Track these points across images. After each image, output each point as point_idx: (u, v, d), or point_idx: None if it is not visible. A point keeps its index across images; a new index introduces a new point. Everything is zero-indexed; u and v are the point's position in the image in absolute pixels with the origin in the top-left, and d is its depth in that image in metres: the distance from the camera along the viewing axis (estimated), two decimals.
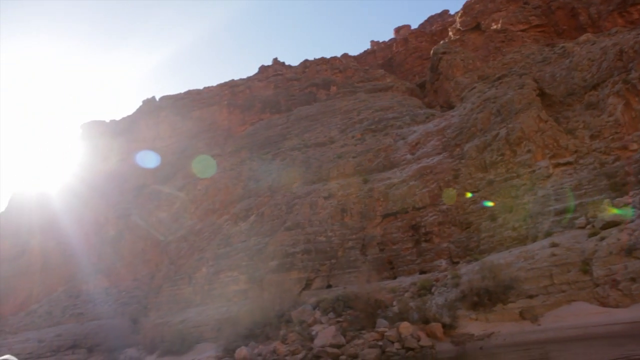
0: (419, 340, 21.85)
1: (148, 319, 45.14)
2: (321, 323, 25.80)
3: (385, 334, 22.33)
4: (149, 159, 77.65)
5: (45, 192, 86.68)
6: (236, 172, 53.63)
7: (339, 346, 22.50)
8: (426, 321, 23.69)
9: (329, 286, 36.51)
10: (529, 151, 34.39)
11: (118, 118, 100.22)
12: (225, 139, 75.30)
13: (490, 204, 34.58)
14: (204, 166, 60.69)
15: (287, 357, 23.42)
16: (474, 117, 41.26)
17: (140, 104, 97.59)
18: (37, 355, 45.41)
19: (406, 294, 28.90)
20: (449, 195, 37.46)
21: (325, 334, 23.23)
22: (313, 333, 24.85)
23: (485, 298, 23.15)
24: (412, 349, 21.54)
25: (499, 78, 47.13)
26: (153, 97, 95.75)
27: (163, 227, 59.44)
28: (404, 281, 33.46)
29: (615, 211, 24.31)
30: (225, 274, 40.65)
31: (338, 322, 25.21)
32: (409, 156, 44.01)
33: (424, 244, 37.00)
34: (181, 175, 67.85)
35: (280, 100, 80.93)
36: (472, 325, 23.04)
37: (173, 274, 46.41)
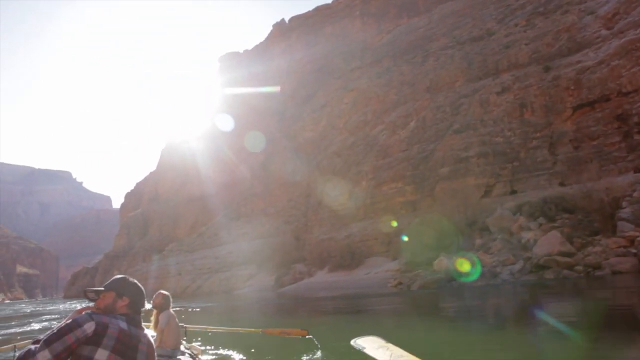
0: None
1: (311, 235, 45.00)
2: (530, 229, 21.48)
3: (638, 239, 17.27)
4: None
5: (196, 125, 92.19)
6: (384, 79, 49.17)
7: (570, 254, 18.12)
8: None
9: (514, 192, 31.56)
10: None
11: (250, 47, 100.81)
12: (362, 51, 70.43)
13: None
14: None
15: (497, 268, 19.76)
16: None
17: (271, 29, 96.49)
18: (215, 269, 48.73)
19: (634, 194, 22.93)
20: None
21: (547, 241, 18.92)
22: (523, 241, 20.70)
23: None
24: None
25: None
26: (282, 20, 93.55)
27: (311, 146, 58.48)
28: (616, 182, 27.08)
29: None
30: (388, 185, 37.76)
31: (554, 227, 20.63)
32: (604, 32, 35.26)
33: (636, 137, 29.74)
34: (322, 93, 65.60)
35: (418, 2, 72.80)
36: None
37: (330, 190, 45.03)
